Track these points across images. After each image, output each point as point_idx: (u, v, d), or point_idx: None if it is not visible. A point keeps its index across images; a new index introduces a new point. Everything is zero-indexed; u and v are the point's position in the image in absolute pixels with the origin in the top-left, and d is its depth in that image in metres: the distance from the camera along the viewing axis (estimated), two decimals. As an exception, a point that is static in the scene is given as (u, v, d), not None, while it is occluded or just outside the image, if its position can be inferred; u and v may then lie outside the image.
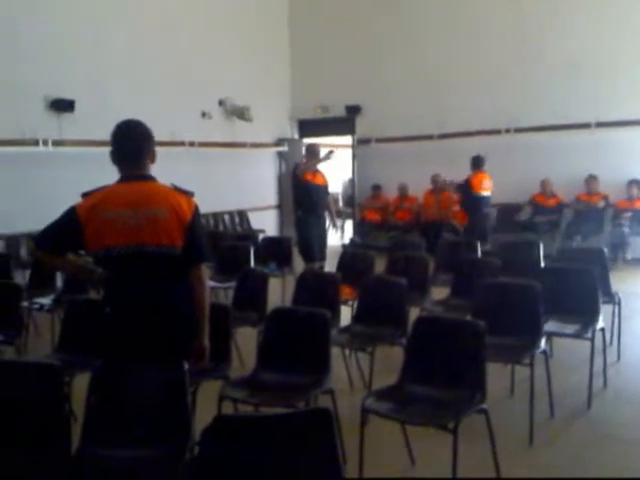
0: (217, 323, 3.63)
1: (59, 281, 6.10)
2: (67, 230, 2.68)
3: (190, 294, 2.75)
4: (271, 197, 12.24)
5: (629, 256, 8.85)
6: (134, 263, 2.65)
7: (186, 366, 2.66)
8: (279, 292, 6.41)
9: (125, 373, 2.71)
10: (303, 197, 7.22)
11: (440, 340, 3.22)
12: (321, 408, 2.19)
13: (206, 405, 3.34)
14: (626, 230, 8.88)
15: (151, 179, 2.76)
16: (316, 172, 7.31)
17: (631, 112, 9.03)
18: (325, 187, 7.44)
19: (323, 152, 7.41)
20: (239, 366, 4.43)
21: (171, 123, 9.21)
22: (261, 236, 9.30)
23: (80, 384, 3.34)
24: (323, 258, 7.32)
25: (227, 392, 3.25)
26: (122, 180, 2.74)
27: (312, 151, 7.40)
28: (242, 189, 11.13)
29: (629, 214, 8.97)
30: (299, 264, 7.40)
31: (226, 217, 11.02)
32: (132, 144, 2.74)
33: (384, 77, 11.24)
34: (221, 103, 10.85)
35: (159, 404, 2.65)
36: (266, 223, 11.41)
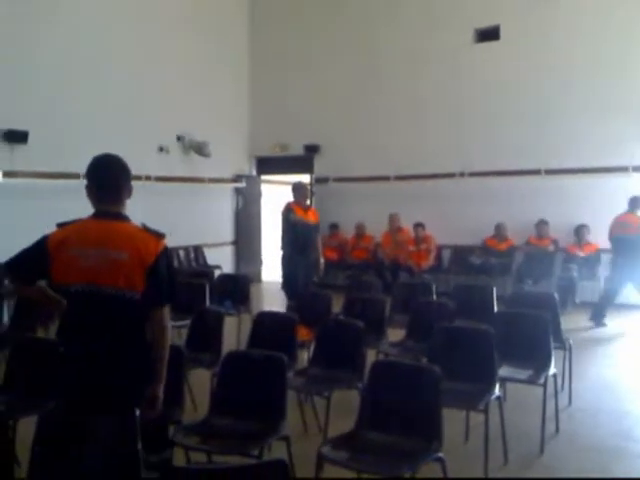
0: (169, 365, 3.56)
1: (5, 317, 5.88)
2: (36, 259, 2.65)
3: (146, 339, 2.66)
4: (228, 233, 12.17)
5: (578, 300, 9.07)
6: (90, 303, 2.59)
7: (137, 413, 2.57)
8: (235, 332, 6.31)
9: (72, 422, 2.59)
10: (291, 235, 7.14)
11: (396, 385, 3.21)
12: (276, 460, 2.14)
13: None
14: (575, 274, 9.11)
15: (123, 218, 2.71)
16: (307, 209, 7.35)
17: (579, 160, 9.39)
18: (316, 225, 7.46)
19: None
20: (191, 409, 4.32)
21: (127, 157, 9.06)
22: (217, 272, 9.21)
23: (26, 427, 3.21)
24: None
25: (179, 439, 3.15)
26: (95, 216, 2.69)
27: (299, 189, 7.40)
28: (198, 224, 11.03)
29: (578, 259, 9.22)
30: (257, 303, 7.36)
31: (181, 252, 10.88)
32: (111, 180, 2.69)
33: (344, 118, 11.42)
34: (179, 138, 10.82)
35: (108, 454, 2.53)
36: (222, 259, 11.31)
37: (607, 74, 9.30)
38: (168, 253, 2.72)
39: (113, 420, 2.55)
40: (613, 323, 8.24)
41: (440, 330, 4.23)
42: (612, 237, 8.17)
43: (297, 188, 7.41)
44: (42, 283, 2.76)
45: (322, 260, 7.50)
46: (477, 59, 10.32)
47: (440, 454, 2.92)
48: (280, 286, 7.50)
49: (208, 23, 11.30)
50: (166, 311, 2.69)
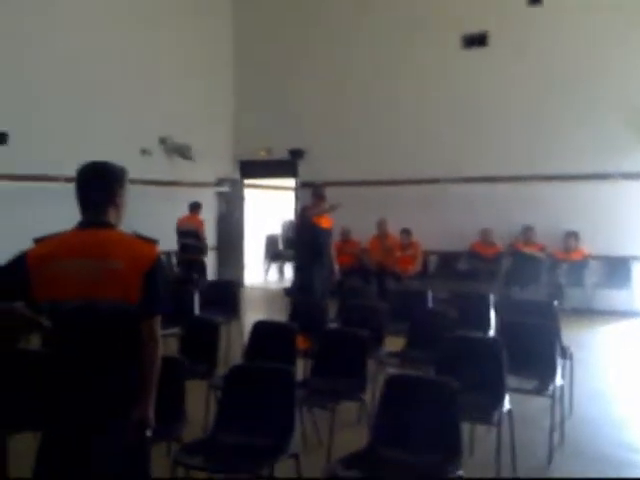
0: (167, 377, 3.38)
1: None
2: (14, 277, 2.43)
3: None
4: (209, 238, 11.91)
5: (566, 306, 9.06)
6: (86, 319, 2.37)
7: (149, 433, 2.39)
8: (225, 340, 6.12)
9: (75, 445, 2.38)
10: (308, 240, 7.01)
11: (412, 400, 3.08)
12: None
13: (157, 469, 3.06)
14: (562, 281, 9.11)
15: (110, 226, 2.52)
16: (322, 214, 7.22)
17: (565, 167, 9.42)
18: (330, 230, 7.32)
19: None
20: (188, 423, 4.13)
21: (109, 160, 8.83)
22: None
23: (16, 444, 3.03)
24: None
25: (182, 458, 2.97)
26: (79, 227, 2.50)
27: (319, 194, 7.25)
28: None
29: (565, 265, 9.22)
30: (242, 309, 7.17)
31: (163, 258, 10.63)
32: (91, 189, 2.51)
33: (328, 122, 11.31)
34: (162, 141, 10.59)
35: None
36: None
37: (595, 80, 9.33)
38: (162, 260, 2.53)
39: (120, 442, 2.37)
40: (607, 330, 8.24)
41: (446, 340, 4.12)
42: None
43: (319, 193, 7.27)
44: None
45: (336, 267, 7.34)
46: (464, 65, 10.29)
47: (461, 472, 2.80)
48: (286, 292, 7.28)
49: (193, 26, 11.10)
50: (158, 322, 2.47)
